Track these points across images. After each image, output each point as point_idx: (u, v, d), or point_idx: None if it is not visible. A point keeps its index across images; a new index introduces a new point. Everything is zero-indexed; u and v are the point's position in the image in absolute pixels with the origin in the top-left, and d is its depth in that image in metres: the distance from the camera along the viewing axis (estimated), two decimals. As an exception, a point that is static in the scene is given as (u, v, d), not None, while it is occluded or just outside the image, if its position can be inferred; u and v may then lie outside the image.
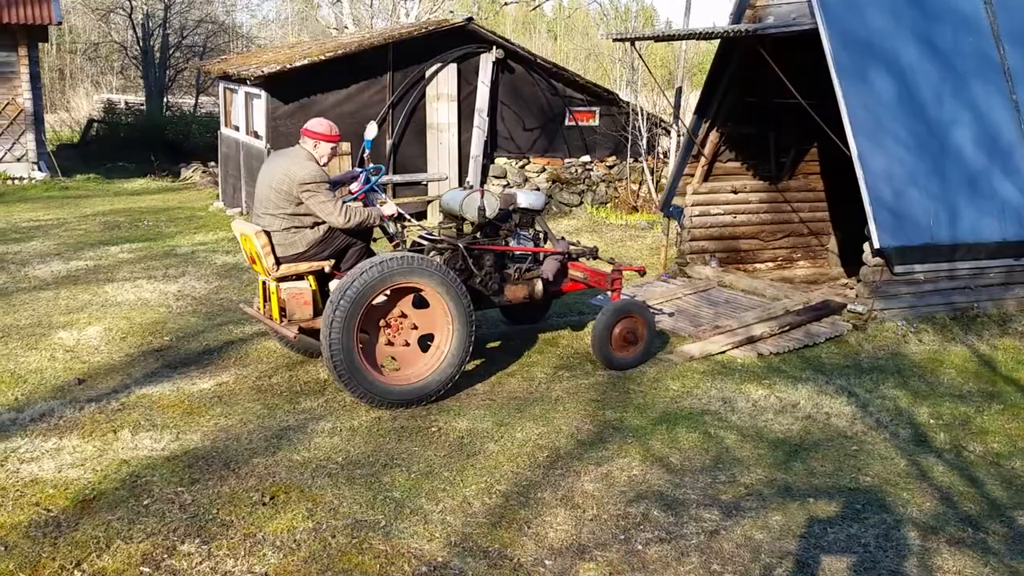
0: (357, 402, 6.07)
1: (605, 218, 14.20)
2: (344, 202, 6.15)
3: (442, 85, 13.69)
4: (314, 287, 6.18)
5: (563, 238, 7.42)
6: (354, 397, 5.94)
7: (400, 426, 5.75)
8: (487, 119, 14.02)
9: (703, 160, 10.06)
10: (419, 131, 13.70)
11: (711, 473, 5.19)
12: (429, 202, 13.74)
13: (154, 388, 6.30)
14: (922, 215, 7.93)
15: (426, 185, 13.85)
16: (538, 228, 7.29)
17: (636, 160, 15.37)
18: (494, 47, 13.87)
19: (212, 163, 18.44)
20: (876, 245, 7.76)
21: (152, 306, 8.44)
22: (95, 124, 23.28)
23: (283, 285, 6.13)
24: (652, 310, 7.33)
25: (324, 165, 6.22)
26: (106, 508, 4.56)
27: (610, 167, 15.36)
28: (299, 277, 6.16)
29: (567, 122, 14.91)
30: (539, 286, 6.97)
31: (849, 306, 8.27)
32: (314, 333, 6.22)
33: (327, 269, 6.22)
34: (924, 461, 5.49)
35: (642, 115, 15.09)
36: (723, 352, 7.45)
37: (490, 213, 6.73)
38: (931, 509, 4.86)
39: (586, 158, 15.15)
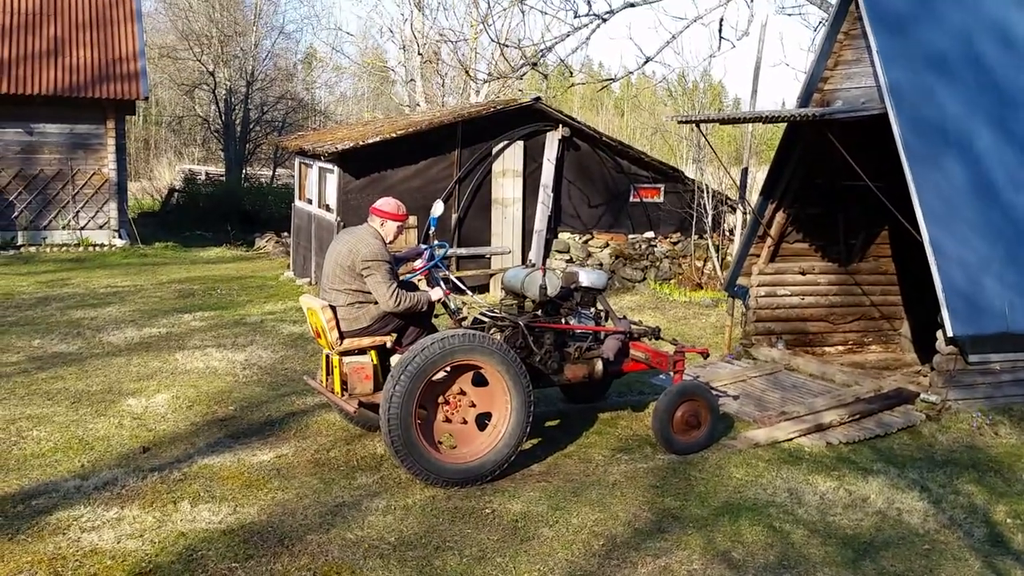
0: (412, 480, 6.03)
1: (668, 295, 14.09)
2: (405, 280, 6.21)
3: (508, 161, 13.89)
4: (375, 362, 6.24)
5: (625, 317, 7.38)
6: (410, 474, 5.91)
7: (454, 506, 5.68)
8: (552, 195, 14.14)
9: (769, 240, 9.94)
10: (484, 206, 13.87)
11: (776, 571, 4.99)
12: (492, 275, 13.82)
13: (216, 459, 6.36)
14: (997, 303, 7.68)
15: (489, 258, 13.96)
16: (600, 307, 7.26)
17: (701, 237, 15.28)
18: (560, 125, 14.05)
19: (285, 233, 18.92)
20: (949, 333, 7.51)
21: (219, 374, 8.58)
22: (176, 193, 24.16)
23: (345, 359, 6.20)
24: (716, 392, 7.19)
25: (391, 242, 6.34)
26: (161, 582, 4.56)
27: (674, 243, 15.30)
28: (361, 352, 6.23)
29: (632, 198, 14.95)
30: (599, 366, 6.92)
31: (922, 395, 7.99)
32: (374, 407, 6.25)
33: (389, 344, 6.28)
34: (1000, 563, 5.19)
35: (708, 192, 15.06)
36: (790, 439, 7.23)
37: (552, 291, 6.73)
38: (1011, 619, 4.58)
39: (650, 234, 15.11)
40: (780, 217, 9.87)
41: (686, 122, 9.97)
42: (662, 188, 15.18)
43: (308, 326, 6.55)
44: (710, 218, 14.98)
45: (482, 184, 13.77)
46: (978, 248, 7.75)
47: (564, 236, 14.56)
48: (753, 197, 11.86)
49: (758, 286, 9.97)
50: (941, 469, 6.71)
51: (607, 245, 14.74)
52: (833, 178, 9.71)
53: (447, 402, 6.11)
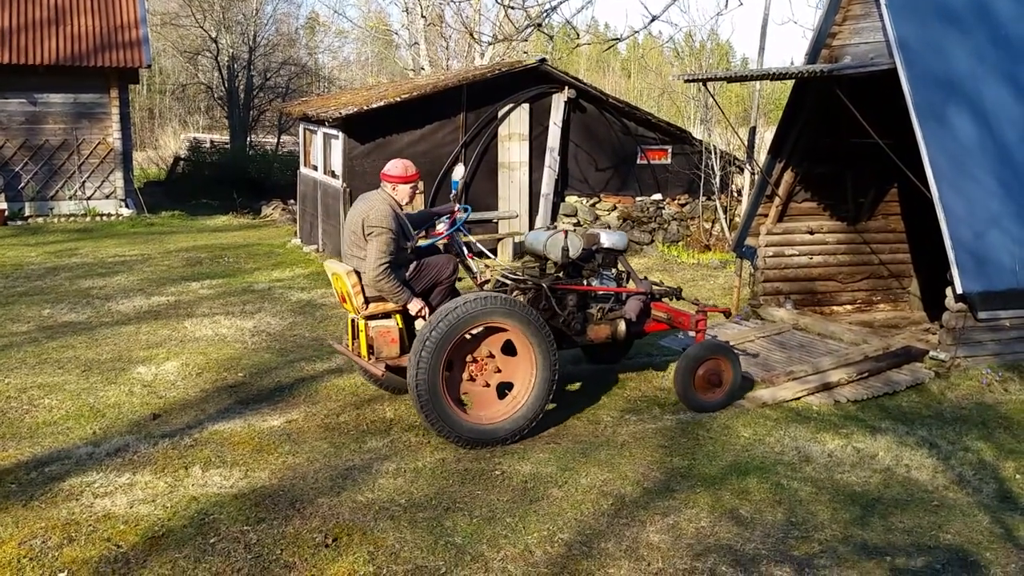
0: (422, 443, 6.08)
1: (676, 257, 14.05)
2: (424, 246, 6.28)
3: (514, 124, 13.80)
4: (401, 325, 6.30)
5: (645, 278, 7.41)
6: (438, 434, 5.99)
7: (464, 468, 5.72)
8: (558, 158, 14.07)
9: (777, 200, 9.88)
10: (491, 170, 13.81)
11: (783, 527, 5.02)
12: (499, 240, 13.80)
13: (226, 424, 6.40)
14: (1007, 259, 7.63)
15: (496, 223, 13.93)
16: (621, 268, 7.30)
17: (709, 198, 15.20)
18: (566, 87, 13.93)
19: (291, 201, 18.89)
20: (959, 290, 7.48)
21: (228, 342, 8.62)
22: (181, 162, 24.11)
23: (371, 323, 6.27)
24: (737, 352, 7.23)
25: (407, 204, 6.38)
26: (174, 546, 4.62)
27: (682, 205, 15.22)
28: (387, 315, 6.29)
29: (639, 160, 14.86)
30: (622, 326, 6.98)
31: (931, 353, 7.98)
32: (400, 371, 6.34)
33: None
34: (1009, 519, 5.21)
35: (715, 153, 14.95)
36: (797, 399, 7.25)
37: (573, 253, 6.81)
38: (1016, 571, 4.60)
39: (658, 196, 15.04)
40: (788, 176, 9.80)
41: (693, 81, 9.87)
42: (669, 150, 15.08)
43: (324, 290, 6.60)
44: (718, 179, 14.89)
45: (488, 148, 13.70)
46: (988, 204, 7.68)
47: (571, 199, 14.50)
48: (761, 157, 11.77)
49: (766, 246, 9.92)
50: (950, 426, 6.72)
51: (615, 208, 14.67)
52: (842, 136, 9.62)
53: (475, 361, 6.17)
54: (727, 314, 7.58)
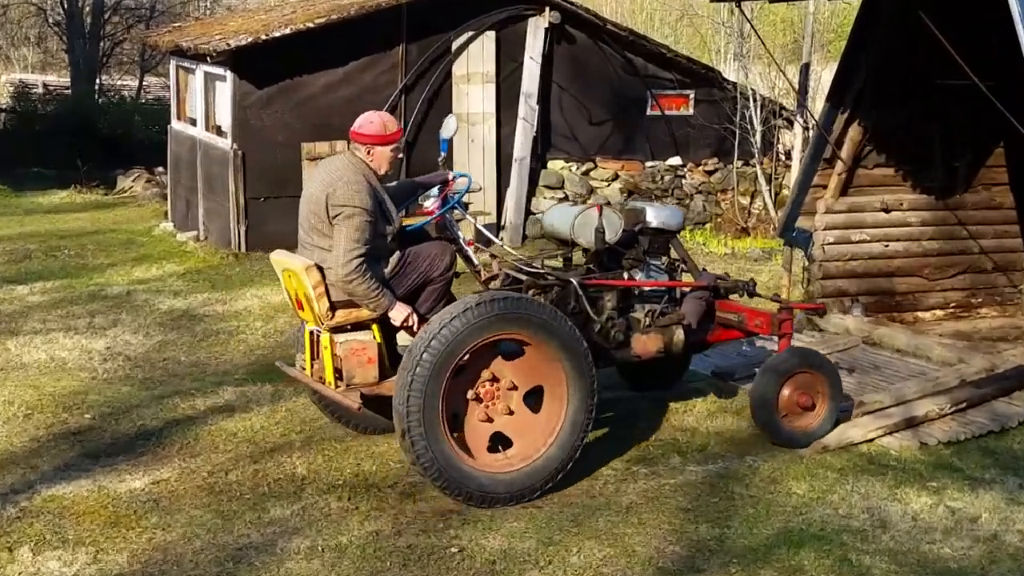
0: (347, 509, 6.07)
1: (703, 244, 14.14)
2: (411, 228, 6.51)
3: (475, 62, 13.81)
4: (379, 339, 6.33)
5: (705, 268, 7.49)
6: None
7: (407, 545, 5.72)
8: (537, 107, 14.10)
9: (840, 166, 9.96)
10: (441, 125, 13.78)
11: (850, 620, 5.07)
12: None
13: (67, 487, 6.34)
14: None
15: (451, 199, 13.95)
16: (673, 255, 7.39)
17: (747, 163, 15.31)
18: (548, 9, 13.98)
19: (160, 169, 18.75)
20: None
21: (70, 369, 8.55)
22: (2, 115, 23.87)
23: (339, 338, 6.29)
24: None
25: (385, 173, 6.45)
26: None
27: (710, 173, 15.33)
28: (360, 326, 6.32)
29: (649, 111, 14.94)
30: (679, 335, 7.02)
31: (1053, 375, 8.10)
32: (380, 401, 6.39)
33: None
34: None
35: (755, 101, 15.04)
36: (870, 440, 7.32)
37: (611, 236, 6.87)
38: None
39: (676, 160, 15.12)
40: (854, 132, 9.88)
41: (722, 0, 9.93)
42: (691, 96, 15.16)
43: (284, 294, 6.67)
44: (759, 137, 14.99)
45: (439, 94, 13.72)
46: None
47: (556, 166, 14.55)
48: (817, 107, 11.86)
49: (825, 230, 10.00)
50: (1080, 477, 6.81)
51: (616, 177, 14.74)
52: (928, 77, 9.71)
53: (479, 398, 6.26)
54: (821, 312, 7.72)
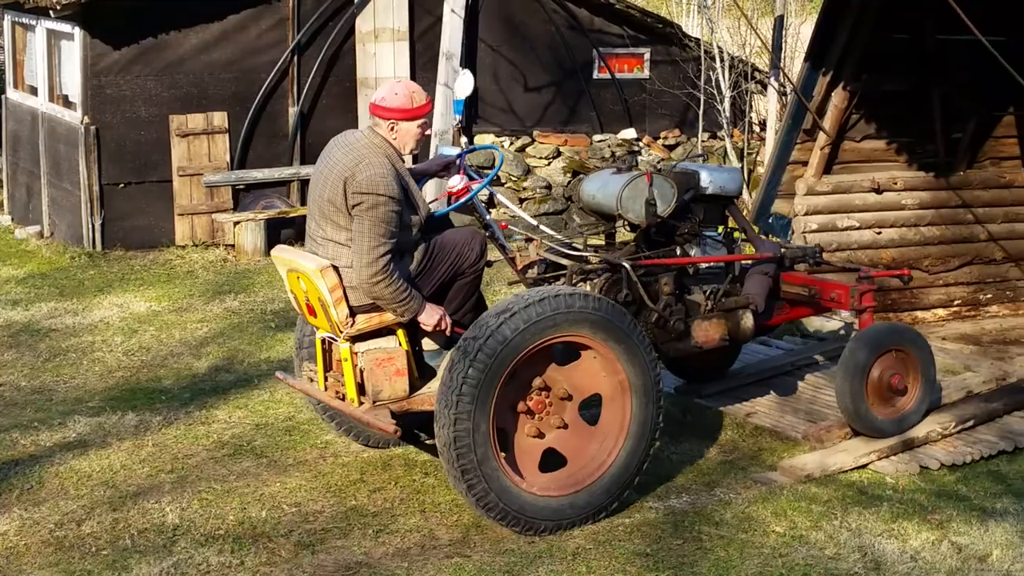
0: (227, 566, 6.02)
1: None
2: (436, 215, 6.63)
3: (383, 15, 13.79)
4: (407, 347, 6.40)
5: (769, 235, 7.59)
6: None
7: (303, 607, 5.65)
8: (460, 71, 14.04)
9: (823, 138, 10.03)
10: (344, 92, 13.83)
11: None
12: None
13: None
14: None
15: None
16: (732, 224, 7.59)
17: (714, 136, 15.39)
18: (471, -50, 13.98)
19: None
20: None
21: None
22: None
23: (360, 347, 6.34)
24: None
25: (410, 152, 6.58)
26: None
27: (670, 147, 15.42)
28: (383, 332, 6.39)
29: (597, 74, 14.98)
30: (747, 319, 7.19)
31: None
32: (415, 422, 6.71)
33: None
34: None
35: (722, 61, 15.13)
36: (862, 466, 7.40)
37: (664, 208, 7.00)
38: None
39: (629, 133, 15.20)
40: (838, 98, 9.96)
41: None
42: (647, 55, 15.24)
43: (291, 298, 6.81)
44: (727, 104, 15.09)
45: (339, 54, 13.70)
46: None
47: (485, 141, 14.52)
48: (795, 68, 11.92)
49: (806, 215, 10.06)
50: (1108, 504, 6.90)
51: (558, 154, 14.77)
52: (923, 33, 9.79)
53: (530, 412, 6.38)
54: (906, 279, 7.91)
